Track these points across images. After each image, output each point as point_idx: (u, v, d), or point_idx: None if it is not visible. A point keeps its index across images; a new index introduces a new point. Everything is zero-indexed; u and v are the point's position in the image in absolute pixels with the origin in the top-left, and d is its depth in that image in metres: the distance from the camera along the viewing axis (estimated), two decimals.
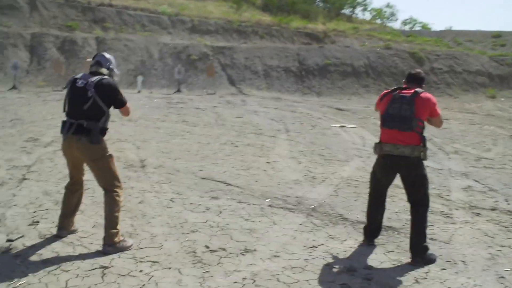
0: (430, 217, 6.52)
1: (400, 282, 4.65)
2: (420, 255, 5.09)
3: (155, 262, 4.83)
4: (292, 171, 9.22)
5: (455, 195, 7.99)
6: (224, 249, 5.22)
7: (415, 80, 5.44)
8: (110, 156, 5.17)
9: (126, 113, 5.35)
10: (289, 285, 4.46)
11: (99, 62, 5.20)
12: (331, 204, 7.12)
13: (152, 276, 4.51)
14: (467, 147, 12.94)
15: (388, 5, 52.13)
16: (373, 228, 5.60)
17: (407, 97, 5.17)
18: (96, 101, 4.94)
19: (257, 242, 5.48)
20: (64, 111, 5.19)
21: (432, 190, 7.94)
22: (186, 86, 26.78)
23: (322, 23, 38.94)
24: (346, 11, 46.35)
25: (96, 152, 5.03)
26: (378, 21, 46.13)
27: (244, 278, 4.55)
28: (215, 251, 5.16)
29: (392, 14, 45.41)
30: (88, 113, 4.94)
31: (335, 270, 4.85)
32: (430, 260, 5.11)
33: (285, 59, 29.46)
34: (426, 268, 4.98)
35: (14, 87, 22.72)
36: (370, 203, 5.60)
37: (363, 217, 6.04)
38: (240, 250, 5.22)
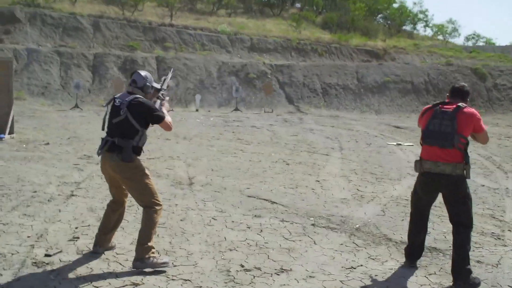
0: (480, 238, 6.28)
1: None
2: (463, 278, 4.85)
3: (186, 280, 4.79)
4: (341, 190, 9.05)
5: (509, 215, 7.63)
6: (259, 269, 5.13)
7: (459, 94, 5.22)
8: (145, 174, 5.15)
9: (167, 128, 5.28)
10: None
11: (134, 80, 5.22)
12: (376, 224, 6.93)
13: None
14: None
15: (450, 20, 50.62)
16: (414, 248, 5.39)
17: (449, 112, 4.96)
18: (129, 119, 4.97)
19: (294, 262, 5.36)
20: (103, 129, 5.27)
21: (485, 210, 7.67)
22: (244, 104, 26.92)
23: (382, 40, 38.51)
24: (407, 27, 45.57)
25: (128, 170, 5.04)
26: (440, 37, 45.07)
27: None
28: (249, 270, 5.08)
29: (454, 30, 44.18)
30: (121, 130, 4.99)
31: None
32: (474, 285, 4.86)
33: (343, 77, 29.23)
34: None
35: (76, 106, 23.41)
36: (412, 222, 5.41)
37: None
38: (276, 269, 5.12)
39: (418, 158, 5.21)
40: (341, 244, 6.01)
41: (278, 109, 26.39)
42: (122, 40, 30.67)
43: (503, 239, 6.49)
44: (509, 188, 9.64)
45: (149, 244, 4.99)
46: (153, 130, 15.91)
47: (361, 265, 5.34)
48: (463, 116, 4.93)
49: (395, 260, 5.54)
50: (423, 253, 5.52)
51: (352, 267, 5.28)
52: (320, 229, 6.61)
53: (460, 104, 5.02)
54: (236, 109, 25.28)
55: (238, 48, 32.57)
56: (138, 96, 5.11)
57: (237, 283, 4.75)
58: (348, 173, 10.71)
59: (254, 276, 4.92)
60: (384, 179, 10.25)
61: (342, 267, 5.27)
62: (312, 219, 7.08)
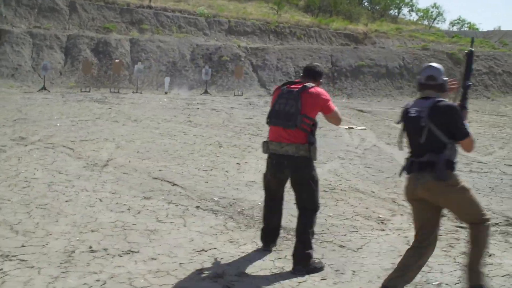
0: (362, 223, 6.28)
1: None
2: (302, 263, 4.79)
3: (23, 260, 4.75)
4: (255, 173, 9.00)
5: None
6: (106, 250, 5.09)
7: (310, 74, 5.12)
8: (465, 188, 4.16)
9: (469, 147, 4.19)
10: None
11: (432, 76, 4.18)
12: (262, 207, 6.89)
13: (7, 275, 4.42)
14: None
15: (434, 5, 50.18)
16: (267, 232, 5.32)
17: (294, 92, 4.87)
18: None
19: (148, 244, 5.33)
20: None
21: (390, 194, 7.67)
22: (216, 87, 26.83)
23: (364, 24, 38.26)
24: (393, 12, 45.30)
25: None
26: (426, 22, 44.84)
27: (97, 280, 4.41)
28: (95, 251, 5.05)
29: (439, 14, 43.91)
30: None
31: (203, 275, 4.64)
32: (314, 269, 4.81)
33: (318, 60, 29.02)
34: (304, 277, 4.70)
35: (43, 88, 23.27)
36: (264, 206, 5.35)
37: (287, 222, 5.86)
38: (123, 251, 5.09)
39: (266, 139, 5.16)
40: (211, 227, 5.98)
41: (249, 92, 26.29)
42: (99, 22, 30.48)
43: (386, 224, 6.47)
44: None
45: (481, 270, 4.11)
46: (107, 113, 15.90)
47: (215, 248, 5.31)
48: (308, 96, 4.84)
49: (255, 244, 5.50)
50: (283, 237, 5.49)
51: (203, 249, 5.25)
52: (201, 211, 6.58)
53: (306, 84, 4.93)
54: (206, 92, 25.18)
55: (216, 30, 32.40)
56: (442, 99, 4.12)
57: (72, 264, 4.72)
58: None
59: (94, 258, 4.89)
60: None
61: (193, 249, 5.24)
62: (200, 201, 7.04)
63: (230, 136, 12.96)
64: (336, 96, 27.01)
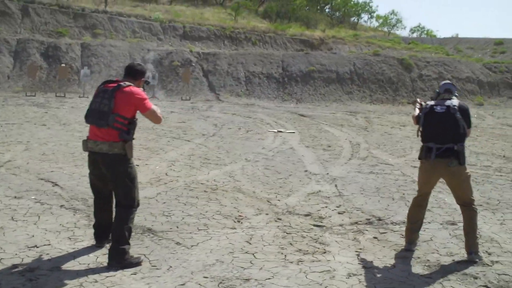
0: (209, 221, 6.38)
1: (65, 284, 4.49)
2: (116, 258, 4.90)
3: None
4: (149, 174, 9.12)
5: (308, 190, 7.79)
6: None
7: (130, 73, 5.22)
8: (469, 174, 5.71)
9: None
10: None
11: (449, 90, 5.85)
12: None
13: None
14: (385, 152, 12.70)
15: (392, 12, 50.75)
16: (99, 229, 5.41)
17: (108, 91, 4.96)
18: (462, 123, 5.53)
19: None
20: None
21: (269, 195, 7.78)
22: (166, 92, 26.86)
23: (321, 31, 38.62)
24: (353, 18, 45.76)
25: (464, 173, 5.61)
26: (386, 29, 45.39)
27: None
28: None
29: (398, 21, 44.50)
30: (455, 135, 5.56)
31: (15, 270, 4.72)
32: (130, 264, 4.91)
33: (268, 65, 29.29)
34: (116, 272, 4.77)
35: None
36: (94, 203, 5.43)
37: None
38: None
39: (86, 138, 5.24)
40: (61, 224, 6.08)
41: (197, 97, 26.39)
42: (51, 26, 30.33)
43: (242, 222, 6.57)
44: (332, 175, 9.79)
45: (478, 237, 5.62)
46: (40, 116, 15.85)
47: (49, 244, 5.40)
48: (122, 95, 4.94)
49: (94, 241, 5.57)
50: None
51: (35, 245, 5.34)
52: (63, 210, 6.67)
53: (122, 83, 5.04)
54: (153, 97, 25.19)
55: (170, 36, 32.44)
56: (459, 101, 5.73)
57: None
58: (183, 159, 10.79)
59: None
60: (213, 164, 10.36)
61: (25, 245, 5.32)
62: (69, 201, 7.12)
63: (150, 139, 13.03)
64: (285, 101, 27.25)
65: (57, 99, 22.32)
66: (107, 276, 4.67)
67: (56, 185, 7.98)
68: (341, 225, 6.65)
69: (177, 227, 6.19)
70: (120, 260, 4.86)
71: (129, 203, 5.05)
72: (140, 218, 6.47)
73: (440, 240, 6.12)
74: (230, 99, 26.35)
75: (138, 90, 5.06)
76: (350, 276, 4.93)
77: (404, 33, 49.31)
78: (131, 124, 5.01)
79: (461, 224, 6.65)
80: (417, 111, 5.92)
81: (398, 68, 30.13)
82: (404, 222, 6.71)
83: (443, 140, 5.52)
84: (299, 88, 28.44)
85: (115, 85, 5.01)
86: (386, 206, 7.70)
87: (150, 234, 5.90)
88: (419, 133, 5.79)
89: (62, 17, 31.02)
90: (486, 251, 5.80)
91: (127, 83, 5.03)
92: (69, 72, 25.79)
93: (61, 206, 6.86)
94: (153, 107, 5.12)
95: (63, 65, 25.63)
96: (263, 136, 14.68)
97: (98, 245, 5.39)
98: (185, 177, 9.01)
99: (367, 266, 5.21)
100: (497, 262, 5.49)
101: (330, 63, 29.96)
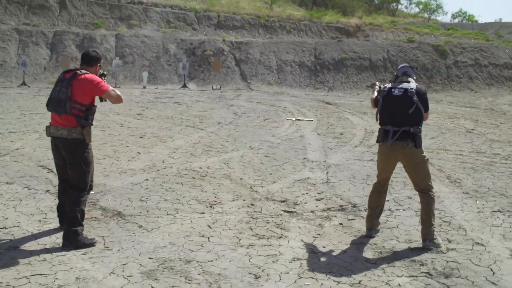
0: (181, 206, 6.56)
1: (16, 262, 4.75)
2: (69, 239, 5.13)
3: None
4: (145, 161, 9.36)
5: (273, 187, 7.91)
6: None
7: (85, 60, 5.46)
8: (427, 159, 5.70)
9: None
10: None
11: (406, 72, 5.86)
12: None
13: None
14: None
15: None
16: (61, 211, 5.61)
17: (66, 80, 5.22)
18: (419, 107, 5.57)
19: None
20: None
21: (255, 182, 7.91)
22: (197, 81, 27.23)
23: (358, 17, 38.24)
24: (392, 5, 45.05)
25: (420, 156, 5.63)
26: (426, 15, 44.54)
27: None
28: None
29: (439, 7, 43.54)
30: (413, 119, 5.59)
31: None
32: (83, 245, 5.13)
33: (301, 53, 29.27)
34: (68, 252, 5.00)
35: (23, 83, 23.92)
36: (58, 185, 5.68)
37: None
38: None
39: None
40: (38, 208, 6.36)
41: (229, 86, 26.62)
42: (88, 18, 31.13)
43: (213, 208, 6.71)
44: (329, 162, 9.87)
45: (435, 224, 5.59)
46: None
47: (18, 226, 5.68)
48: (78, 83, 5.19)
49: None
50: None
51: (5, 227, 5.62)
52: (47, 195, 6.97)
53: (77, 71, 5.27)
54: (184, 86, 25.57)
55: (205, 25, 32.79)
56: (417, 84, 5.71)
57: None
58: (187, 146, 11.00)
59: None
60: (214, 151, 10.54)
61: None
62: (56, 186, 7.40)
63: (164, 128, 13.32)
64: (317, 89, 27.21)
65: None
66: (58, 256, 4.91)
67: (51, 171, 8.28)
68: (312, 211, 6.72)
69: (147, 211, 6.39)
70: (73, 240, 5.09)
71: (82, 186, 5.28)
72: (115, 202, 6.74)
73: (406, 228, 6.12)
74: (260, 88, 26.47)
75: (92, 76, 5.28)
76: (294, 260, 5.02)
77: (445, 19, 48.24)
78: (89, 110, 5.24)
79: (436, 211, 6.67)
80: (375, 94, 5.93)
81: (433, 55, 29.64)
82: None
83: (400, 123, 5.53)
84: (331, 76, 28.33)
85: (72, 73, 5.22)
86: (367, 193, 7.69)
87: (118, 218, 6.12)
88: (377, 117, 5.80)
89: (98, 9, 31.72)
90: (448, 239, 5.79)
91: (83, 71, 5.25)
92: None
93: (47, 191, 7.16)
94: (110, 87, 5.34)
95: (64, 53, 26.23)
96: (279, 124, 14.77)
97: (62, 227, 5.61)
98: (180, 164, 9.21)
99: (316, 251, 5.29)
100: (453, 249, 5.48)
101: (363, 50, 29.70)
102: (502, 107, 22.11)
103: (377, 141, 5.79)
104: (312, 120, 15.88)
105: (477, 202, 7.45)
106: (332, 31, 34.54)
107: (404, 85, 5.64)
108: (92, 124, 5.35)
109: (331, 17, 36.50)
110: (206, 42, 29.38)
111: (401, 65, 6.03)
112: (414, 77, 5.90)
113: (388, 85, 5.80)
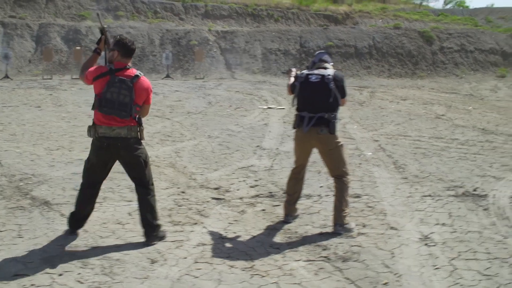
0: (108, 194, 6.67)
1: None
2: (154, 235, 5.22)
3: None
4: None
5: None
6: None
7: (127, 54, 5.16)
8: (342, 145, 5.81)
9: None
10: None
11: (324, 60, 5.90)
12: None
13: None
14: (360, 126, 12.75)
15: None
16: (79, 218, 5.41)
17: (127, 82, 4.98)
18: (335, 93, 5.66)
19: None
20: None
21: (197, 170, 8.03)
22: (182, 71, 27.26)
23: (348, 5, 38.13)
24: None
25: (334, 142, 5.75)
26: (419, 1, 44.39)
27: None
28: None
29: None
30: (328, 105, 5.70)
31: None
32: (163, 237, 5.31)
33: (286, 42, 29.27)
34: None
35: (6, 76, 24.01)
36: (81, 191, 5.42)
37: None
38: None
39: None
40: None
41: (213, 76, 26.65)
42: (74, 10, 31.11)
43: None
44: (281, 150, 9.99)
45: (347, 210, 5.68)
46: (41, 99, 16.45)
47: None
48: (138, 87, 5.04)
49: None
50: None
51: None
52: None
53: (136, 72, 5.07)
54: (167, 76, 25.64)
55: (192, 15, 32.75)
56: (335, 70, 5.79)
57: None
58: (145, 136, 11.07)
59: None
60: (170, 141, 10.65)
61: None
62: None
63: None
64: None
65: (72, 81, 22.98)
66: None
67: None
68: (241, 198, 6.84)
69: (68, 201, 6.46)
70: (158, 235, 5.28)
71: (151, 182, 5.34)
72: (49, 192, 6.87)
73: (327, 213, 6.20)
74: (244, 77, 26.51)
75: (148, 83, 5.23)
76: (198, 246, 5.14)
77: (438, 5, 47.92)
78: (141, 109, 5.21)
79: (366, 196, 6.79)
80: (292, 80, 6.01)
81: (419, 41, 29.58)
82: (307, 195, 6.88)
83: (316, 109, 5.62)
84: None
85: (133, 76, 5.05)
86: (306, 179, 7.81)
87: (44, 207, 6.24)
88: (293, 102, 5.89)
89: (85, 0, 31.68)
90: (364, 224, 5.91)
91: (139, 72, 5.15)
92: (84, 55, 26.43)
93: None
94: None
95: (77, 48, 26.27)
96: (248, 113, 14.86)
97: (73, 232, 5.38)
98: None
99: (224, 237, 5.40)
100: (363, 234, 5.60)
101: (349, 37, 29.68)
102: (483, 92, 22.15)
103: (293, 127, 5.88)
104: (283, 108, 15.96)
105: (412, 187, 7.56)
106: (320, 19, 34.47)
107: (321, 71, 5.72)
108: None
109: (319, 4, 36.41)
110: (192, 32, 29.39)
111: (318, 51, 6.10)
112: (332, 63, 5.98)
113: (306, 72, 5.87)
